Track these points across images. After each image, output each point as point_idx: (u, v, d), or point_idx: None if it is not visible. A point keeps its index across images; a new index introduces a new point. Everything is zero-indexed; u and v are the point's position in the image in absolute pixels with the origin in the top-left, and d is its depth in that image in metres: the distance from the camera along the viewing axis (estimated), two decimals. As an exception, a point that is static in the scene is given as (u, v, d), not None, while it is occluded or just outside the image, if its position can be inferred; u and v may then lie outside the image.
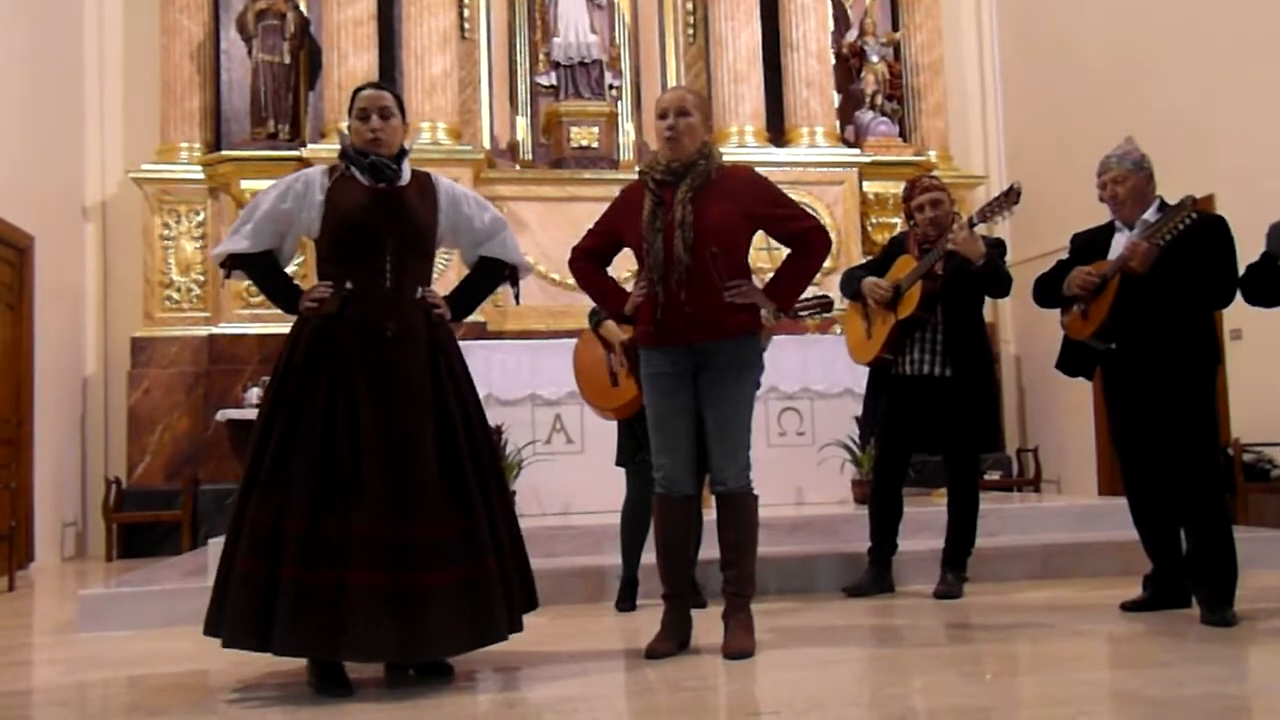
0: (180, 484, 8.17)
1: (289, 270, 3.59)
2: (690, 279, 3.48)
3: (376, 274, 3.31)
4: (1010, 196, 4.46)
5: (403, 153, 3.44)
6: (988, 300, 4.82)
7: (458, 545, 3.20)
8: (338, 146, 3.49)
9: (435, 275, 3.62)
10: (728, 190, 3.56)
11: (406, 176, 3.43)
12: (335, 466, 3.14)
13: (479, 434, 3.40)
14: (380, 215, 3.33)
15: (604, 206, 3.82)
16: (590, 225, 3.83)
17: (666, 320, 3.53)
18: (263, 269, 3.45)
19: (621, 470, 4.55)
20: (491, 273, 3.65)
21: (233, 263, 3.45)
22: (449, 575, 3.16)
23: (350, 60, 8.55)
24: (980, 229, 4.56)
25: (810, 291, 4.05)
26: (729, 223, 3.52)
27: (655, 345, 3.59)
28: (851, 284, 4.85)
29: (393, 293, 3.32)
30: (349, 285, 3.30)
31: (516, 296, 3.81)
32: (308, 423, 3.18)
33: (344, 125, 3.52)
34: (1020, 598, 4.60)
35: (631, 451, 4.47)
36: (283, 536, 3.09)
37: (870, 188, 9.38)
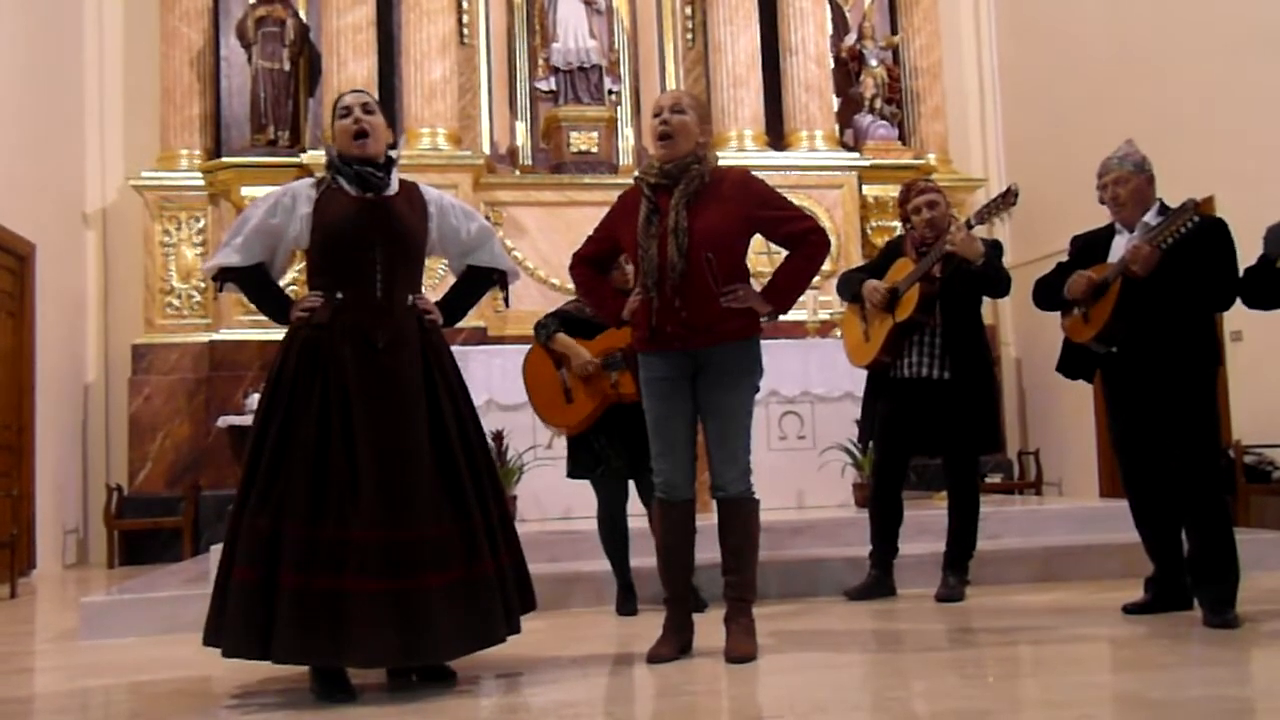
0: (181, 491, 8.18)
1: (286, 280, 3.61)
2: (685, 284, 3.47)
3: (367, 283, 3.32)
4: (1008, 198, 4.46)
5: (390, 162, 3.45)
6: (988, 302, 4.82)
7: (455, 547, 3.21)
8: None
9: (434, 283, 3.63)
10: (723, 194, 3.55)
11: (394, 186, 3.44)
12: (331, 473, 3.15)
13: (473, 438, 3.40)
14: (368, 224, 3.34)
15: (603, 211, 3.83)
16: (589, 231, 3.84)
17: (661, 326, 3.53)
18: (254, 282, 3.47)
19: (570, 479, 4.61)
20: (480, 280, 3.67)
21: (224, 276, 3.46)
22: (446, 576, 3.17)
23: (350, 66, 8.55)
24: (978, 230, 4.56)
25: (803, 302, 4.07)
26: (725, 227, 3.52)
27: (651, 350, 3.59)
28: (850, 287, 4.85)
29: (384, 301, 3.33)
30: (339, 295, 3.31)
31: (506, 300, 3.84)
32: (303, 430, 3.18)
33: (329, 136, 3.53)
34: (1022, 600, 4.60)
35: (590, 464, 4.49)
36: (280, 543, 3.09)
37: (870, 191, 9.39)
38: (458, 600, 3.17)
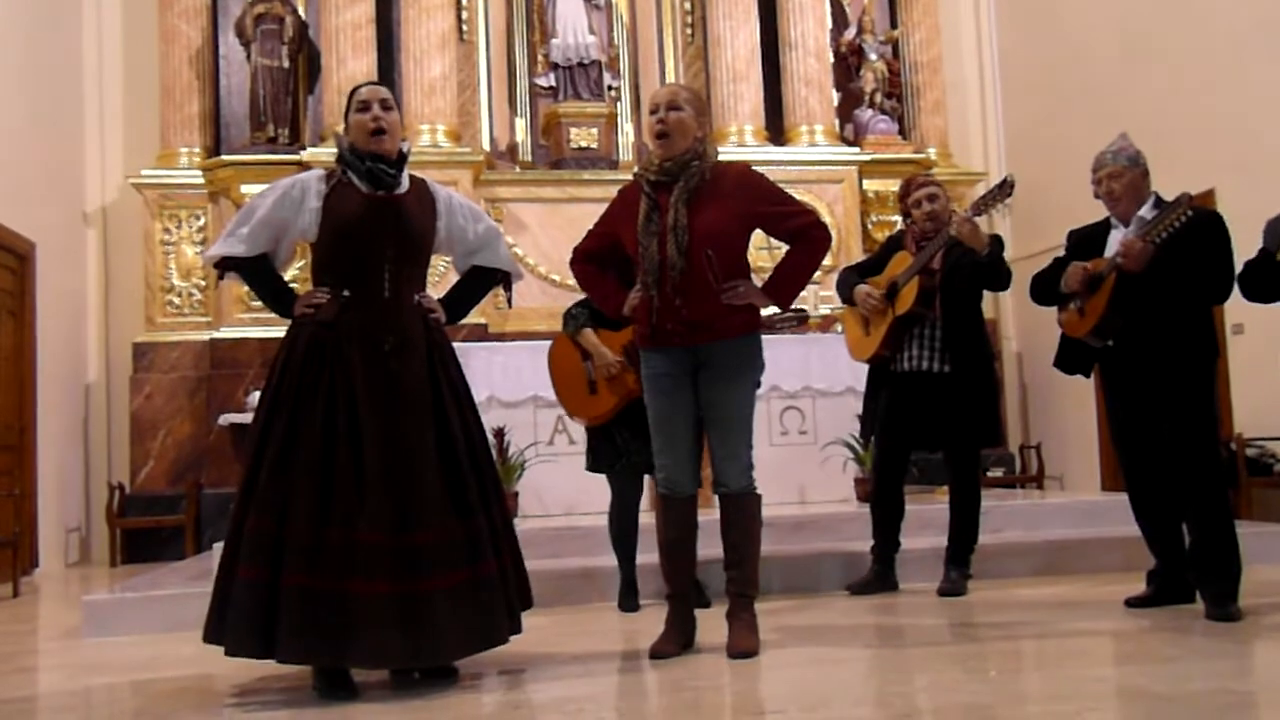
0: (183, 489, 8.18)
1: (290, 274, 3.59)
2: (685, 282, 3.46)
3: (375, 283, 3.30)
4: (1004, 188, 4.46)
5: (402, 159, 3.42)
6: (989, 296, 4.82)
7: (459, 548, 3.21)
8: (336, 151, 3.48)
9: (434, 280, 3.62)
10: (723, 190, 3.54)
11: (405, 184, 3.42)
12: (337, 474, 3.14)
13: (476, 438, 3.40)
14: (379, 224, 3.32)
15: (603, 207, 3.82)
16: (590, 226, 3.83)
17: (662, 324, 3.52)
18: (257, 272, 3.43)
19: (590, 473, 4.59)
20: (483, 279, 3.66)
21: (226, 265, 3.43)
22: (451, 578, 3.17)
23: (349, 64, 8.55)
24: (978, 222, 4.55)
25: (804, 298, 4.04)
26: (725, 224, 3.50)
27: (652, 347, 3.59)
28: (845, 288, 4.84)
29: (391, 301, 3.32)
30: (346, 293, 3.29)
31: (509, 300, 3.84)
32: (308, 430, 3.17)
33: (339, 129, 3.50)
34: (1024, 594, 4.60)
35: (611, 458, 4.47)
36: (284, 544, 3.08)
37: (870, 186, 9.38)
38: (462, 601, 3.18)
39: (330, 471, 3.14)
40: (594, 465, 4.57)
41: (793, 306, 4.60)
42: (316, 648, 3.07)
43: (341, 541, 3.09)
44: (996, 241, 4.70)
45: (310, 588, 3.05)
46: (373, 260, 3.31)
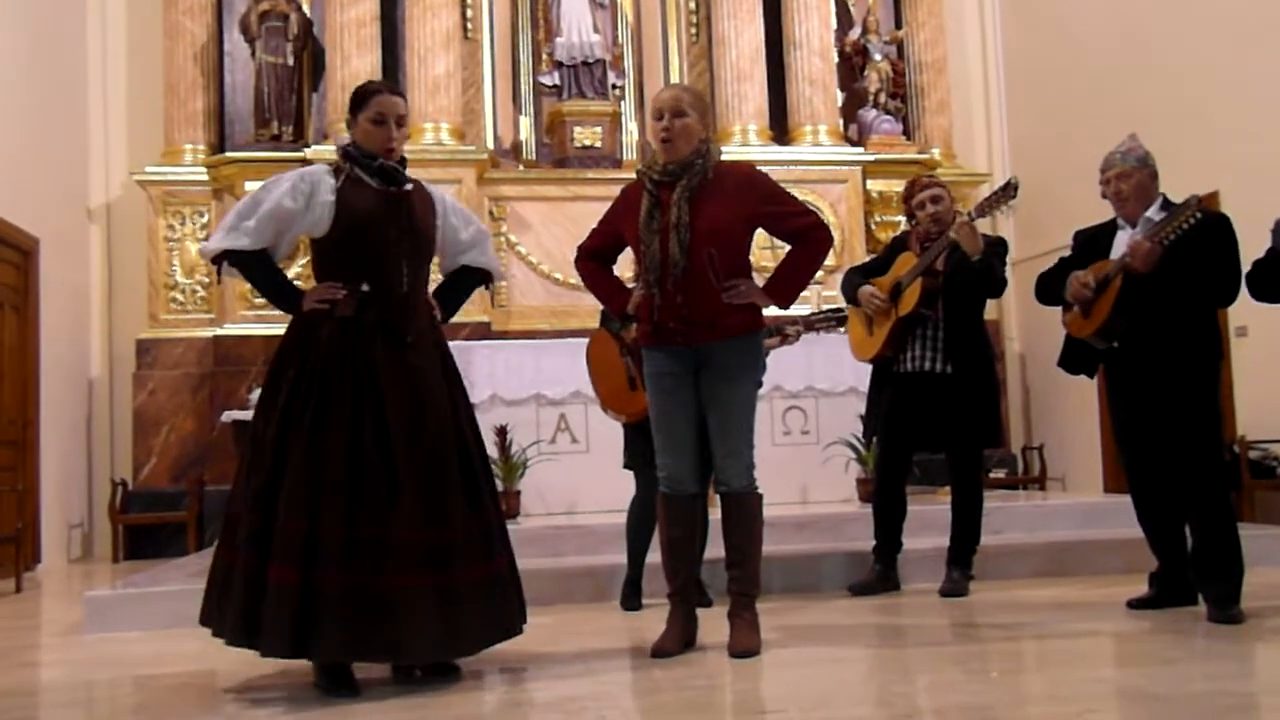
0: (186, 485, 8.19)
1: (294, 270, 3.60)
2: (686, 281, 3.47)
3: (394, 278, 3.31)
4: (1008, 191, 4.45)
5: (403, 159, 3.45)
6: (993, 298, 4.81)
7: (476, 543, 3.25)
8: (339, 147, 3.49)
9: (433, 279, 3.63)
10: (726, 189, 3.54)
11: (409, 183, 3.45)
12: (367, 472, 3.13)
13: (476, 434, 3.44)
14: (395, 220, 3.34)
15: (607, 206, 3.82)
16: (593, 225, 3.84)
17: (663, 322, 3.53)
18: (259, 266, 3.39)
19: (626, 470, 4.54)
20: (468, 279, 3.68)
21: (226, 258, 3.36)
22: (473, 571, 3.21)
23: (353, 61, 8.56)
24: (981, 224, 4.55)
25: (807, 298, 4.01)
26: (727, 223, 3.51)
27: (654, 345, 3.59)
28: (849, 289, 4.84)
29: (409, 296, 3.33)
30: (365, 288, 3.29)
31: (491, 300, 3.86)
32: (336, 428, 3.15)
33: (346, 122, 3.49)
34: (1026, 595, 4.60)
35: (648, 455, 4.43)
36: (318, 543, 3.06)
37: (874, 186, 9.38)
38: (483, 594, 3.22)
39: (360, 469, 3.13)
40: (631, 462, 4.53)
41: (831, 307, 4.59)
42: (358, 644, 3.06)
43: (375, 540, 3.09)
44: (1000, 245, 4.70)
45: (348, 585, 3.04)
46: (391, 255, 3.32)
